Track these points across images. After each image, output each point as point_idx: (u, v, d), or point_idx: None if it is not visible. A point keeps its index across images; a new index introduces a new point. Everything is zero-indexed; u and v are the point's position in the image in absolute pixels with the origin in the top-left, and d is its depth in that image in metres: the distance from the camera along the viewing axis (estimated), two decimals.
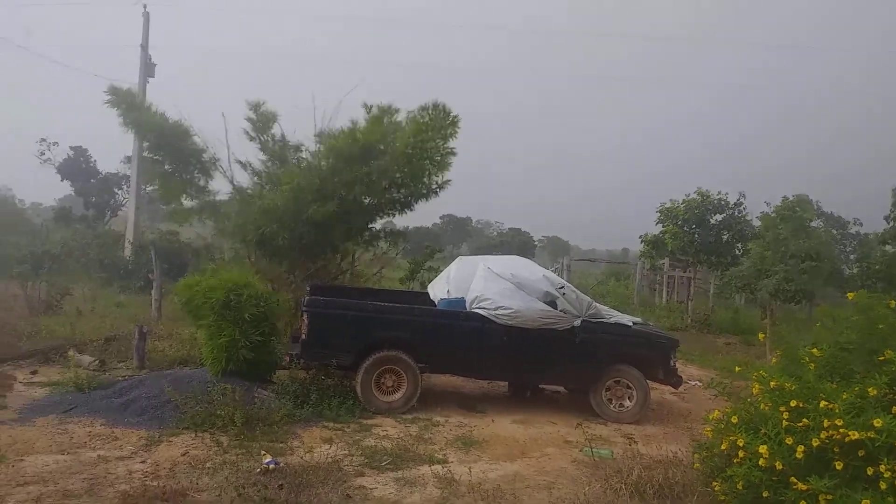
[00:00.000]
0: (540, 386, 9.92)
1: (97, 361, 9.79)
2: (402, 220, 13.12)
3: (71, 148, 29.01)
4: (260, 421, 7.17)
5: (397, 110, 12.08)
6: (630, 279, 29.19)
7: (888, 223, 19.63)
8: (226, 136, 11.89)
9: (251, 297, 8.31)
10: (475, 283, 9.00)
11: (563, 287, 9.03)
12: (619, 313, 9.70)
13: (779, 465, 4.39)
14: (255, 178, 11.91)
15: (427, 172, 11.70)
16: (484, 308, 8.68)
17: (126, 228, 22.34)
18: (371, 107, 12.08)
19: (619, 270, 33.89)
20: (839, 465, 4.27)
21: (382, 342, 8.54)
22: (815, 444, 4.34)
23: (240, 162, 11.93)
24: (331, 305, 8.78)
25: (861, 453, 4.26)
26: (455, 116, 11.75)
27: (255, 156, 11.99)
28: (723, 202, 21.13)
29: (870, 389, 4.47)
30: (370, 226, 12.43)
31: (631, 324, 9.32)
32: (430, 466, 6.36)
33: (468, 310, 8.84)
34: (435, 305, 9.69)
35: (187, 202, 11.85)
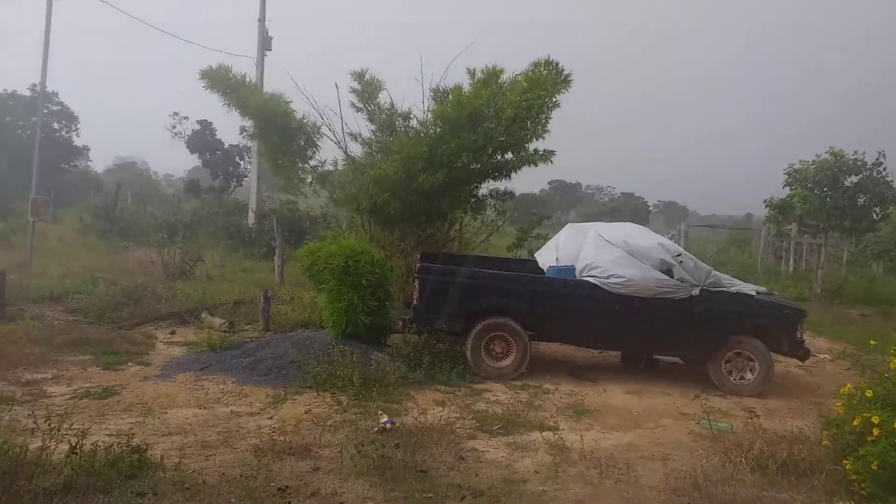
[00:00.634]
0: (654, 356, 9.68)
1: (227, 323, 10.52)
2: (508, 186, 13.02)
3: (197, 122, 30.88)
4: (376, 382, 7.48)
5: (502, 71, 11.96)
6: (753, 246, 27.69)
7: None
8: (339, 107, 12.21)
9: (368, 264, 8.59)
10: (585, 250, 8.85)
11: (679, 255, 8.70)
12: (741, 282, 9.24)
13: None
14: (366, 148, 12.19)
15: (532, 134, 11.55)
16: (595, 276, 8.54)
17: (249, 198, 23.58)
18: (474, 71, 12.02)
19: (741, 237, 32.11)
20: None
21: (491, 309, 8.62)
22: None
23: (350, 134, 12.24)
24: (440, 272, 8.93)
25: None
26: (567, 74, 11.50)
27: (365, 126, 12.26)
28: (859, 162, 19.53)
29: None
30: (476, 192, 12.47)
31: (754, 293, 8.87)
32: (540, 433, 6.41)
33: (578, 278, 8.73)
34: (543, 273, 9.63)
35: (301, 175, 12.24)
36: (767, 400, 8.25)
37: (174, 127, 31.16)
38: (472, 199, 12.53)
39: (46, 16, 16.83)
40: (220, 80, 11.66)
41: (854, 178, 19.55)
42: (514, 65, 11.92)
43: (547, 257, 9.95)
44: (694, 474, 5.32)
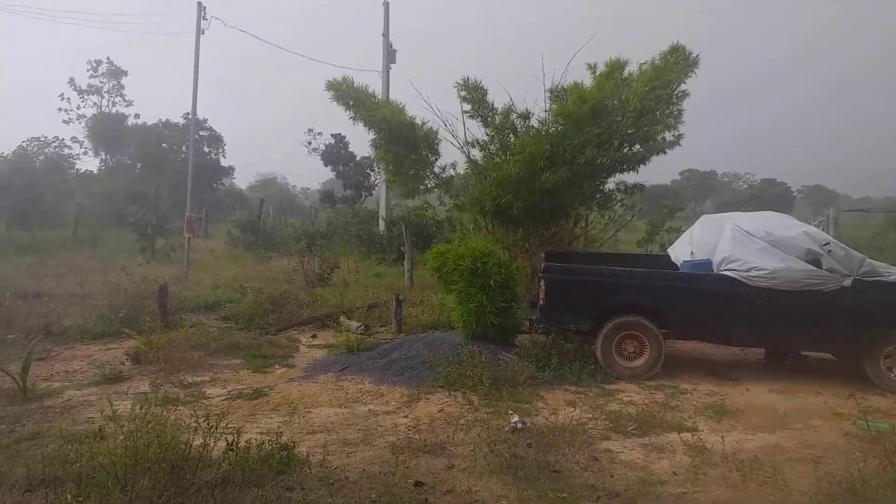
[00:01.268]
0: (802, 353, 9.03)
1: (363, 326, 11.00)
2: (636, 179, 12.61)
3: (331, 136, 32.51)
4: (506, 382, 7.52)
5: (626, 63, 11.64)
6: None
7: None
8: (461, 113, 12.38)
9: (495, 265, 8.67)
10: (723, 243, 8.42)
11: (827, 243, 8.06)
12: None
13: None
14: (484, 151, 12.27)
15: (663, 126, 11.15)
16: (734, 270, 8.11)
17: (379, 206, 24.46)
18: (595, 65, 11.77)
19: None
20: None
21: (621, 307, 8.41)
22: None
23: (471, 140, 12.36)
24: (567, 271, 8.82)
25: None
26: (695, 57, 11.02)
27: (481, 131, 12.34)
28: None
29: None
30: (602, 187, 12.20)
31: None
32: (678, 434, 6.18)
33: (715, 272, 8.32)
34: (677, 268, 9.26)
35: (425, 182, 12.50)
36: None
37: (310, 142, 33.05)
38: (598, 195, 12.28)
39: (195, 52, 18.35)
40: (344, 92, 12.13)
41: None
42: (639, 55, 11.61)
43: (681, 251, 9.58)
44: (850, 479, 4.91)
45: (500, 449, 5.56)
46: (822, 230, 11.50)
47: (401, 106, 12.22)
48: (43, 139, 35.51)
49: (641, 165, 11.71)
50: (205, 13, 18.46)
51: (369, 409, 6.97)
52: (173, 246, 19.73)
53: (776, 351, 9.12)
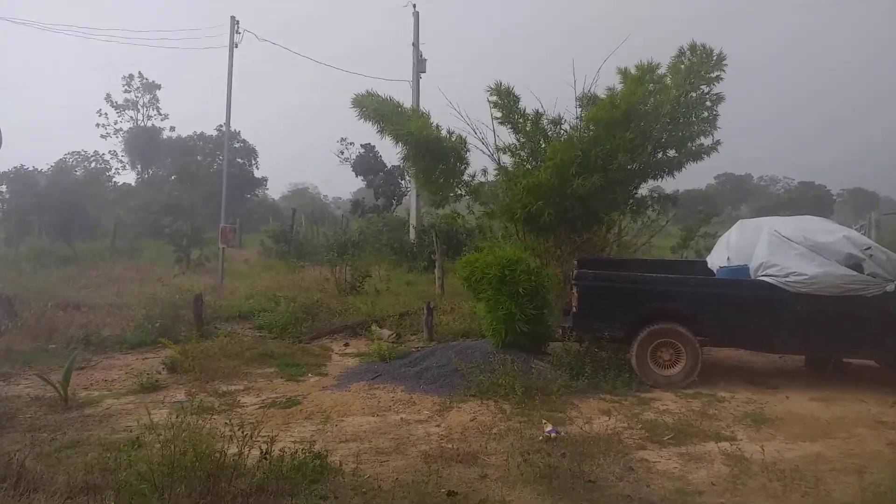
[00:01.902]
0: (844, 360, 8.78)
1: (394, 334, 11.02)
2: (671, 184, 12.47)
3: (362, 146, 32.79)
4: (539, 391, 7.46)
5: (657, 66, 11.52)
6: None
7: None
8: (491, 120, 12.36)
9: (524, 272, 8.62)
10: (760, 248, 8.26)
11: (869, 248, 7.86)
12: None
13: None
14: (515, 158, 12.22)
15: (698, 131, 10.99)
16: (772, 275, 7.95)
17: (409, 214, 24.54)
18: (626, 69, 11.66)
19: None
20: None
21: (656, 314, 8.29)
22: None
23: (501, 146, 12.33)
24: (600, 278, 8.72)
25: None
26: (720, 55, 10.85)
27: (511, 137, 12.30)
28: None
29: None
30: (635, 193, 12.07)
31: None
32: (716, 443, 6.05)
33: (753, 278, 8.16)
34: (713, 274, 9.10)
35: (455, 190, 12.48)
36: None
37: (342, 153, 33.39)
38: (631, 201, 12.15)
39: (228, 65, 18.67)
40: (370, 108, 12.13)
41: None
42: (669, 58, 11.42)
43: (717, 257, 9.42)
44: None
45: (534, 458, 5.50)
46: (864, 234, 11.21)
47: (428, 117, 12.24)
48: (82, 153, 36.46)
49: (677, 171, 11.56)
50: (238, 27, 18.79)
51: (401, 418, 6.97)
52: (208, 256, 20.05)
53: (816, 358, 8.90)
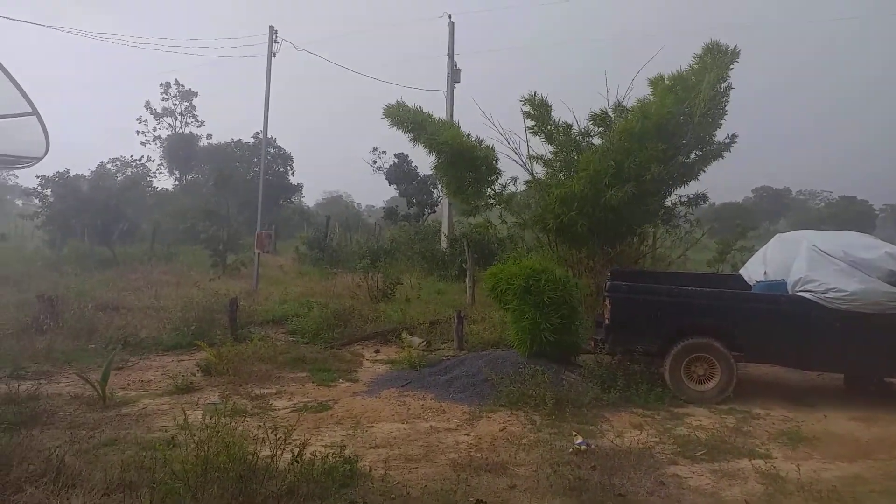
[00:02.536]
0: (886, 379, 8.55)
1: (424, 342, 11.05)
2: (697, 187, 12.31)
3: (395, 155, 33.04)
4: (569, 403, 7.41)
5: (689, 74, 11.41)
6: None
7: None
8: (525, 130, 12.37)
9: (549, 282, 8.59)
10: (798, 263, 8.11)
11: None
12: None
13: None
14: (548, 168, 12.19)
15: (713, 124, 10.92)
16: (810, 291, 7.79)
17: (441, 223, 24.61)
18: (660, 77, 11.57)
19: None
20: None
21: (691, 328, 8.18)
22: None
23: (533, 156, 12.31)
24: (633, 290, 8.64)
25: None
26: (733, 50, 10.75)
27: (544, 147, 12.29)
28: None
29: None
30: (666, 203, 11.95)
31: None
32: (750, 460, 5.94)
33: (790, 293, 8.00)
34: (749, 289, 8.95)
35: (487, 200, 12.48)
36: None
37: (375, 161, 33.64)
38: (662, 211, 12.04)
39: (266, 74, 19.01)
40: (402, 117, 12.24)
41: None
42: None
43: (754, 271, 9.27)
44: None
45: (564, 470, 5.47)
46: None
47: (460, 126, 12.30)
48: (123, 159, 37.34)
49: (702, 172, 11.44)
50: (276, 37, 19.12)
51: (431, 426, 6.98)
52: (243, 261, 20.35)
53: (856, 376, 8.68)
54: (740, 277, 9.64)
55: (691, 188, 12.04)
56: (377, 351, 10.96)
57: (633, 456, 5.91)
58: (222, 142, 45.91)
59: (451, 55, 23.83)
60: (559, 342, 8.63)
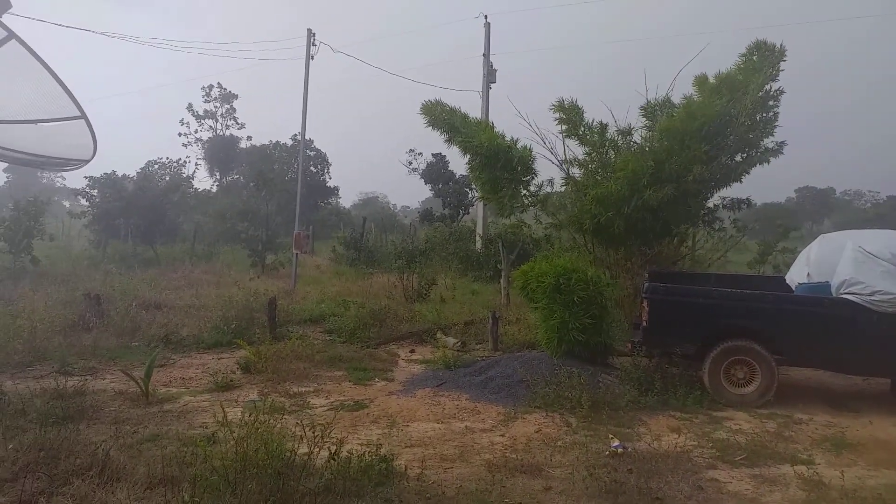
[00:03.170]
0: None
1: (459, 343, 11.07)
2: (739, 192, 12.05)
3: (432, 155, 33.18)
4: (606, 405, 7.35)
5: (737, 74, 11.18)
6: None
7: None
8: (561, 132, 12.26)
9: (579, 281, 8.53)
10: (843, 264, 7.90)
11: None
12: None
13: None
14: (584, 169, 12.07)
15: (762, 132, 10.66)
16: (855, 293, 7.59)
17: (476, 224, 24.61)
18: (703, 77, 11.35)
19: None
20: None
21: (730, 331, 8.04)
22: None
23: (567, 159, 12.20)
24: (672, 292, 8.53)
25: None
26: (780, 48, 10.48)
27: (578, 148, 12.17)
28: None
29: None
30: (706, 203, 11.74)
31: None
32: (792, 466, 5.82)
33: (834, 295, 7.80)
34: (792, 291, 8.75)
35: (523, 201, 12.41)
36: None
37: (410, 163, 33.82)
38: (703, 212, 11.83)
39: (304, 76, 19.25)
40: (438, 116, 12.22)
41: None
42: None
43: (797, 273, 9.07)
44: None
45: (600, 473, 5.42)
46: None
47: (495, 128, 12.23)
48: (166, 161, 38.20)
49: (745, 175, 11.19)
50: (314, 39, 19.35)
51: (466, 426, 6.99)
52: (282, 261, 20.66)
53: None
54: (782, 280, 9.43)
55: (734, 190, 11.83)
56: (412, 351, 11.02)
57: (671, 459, 5.84)
58: (261, 144, 46.70)
59: (486, 55, 23.81)
60: (588, 342, 8.56)
